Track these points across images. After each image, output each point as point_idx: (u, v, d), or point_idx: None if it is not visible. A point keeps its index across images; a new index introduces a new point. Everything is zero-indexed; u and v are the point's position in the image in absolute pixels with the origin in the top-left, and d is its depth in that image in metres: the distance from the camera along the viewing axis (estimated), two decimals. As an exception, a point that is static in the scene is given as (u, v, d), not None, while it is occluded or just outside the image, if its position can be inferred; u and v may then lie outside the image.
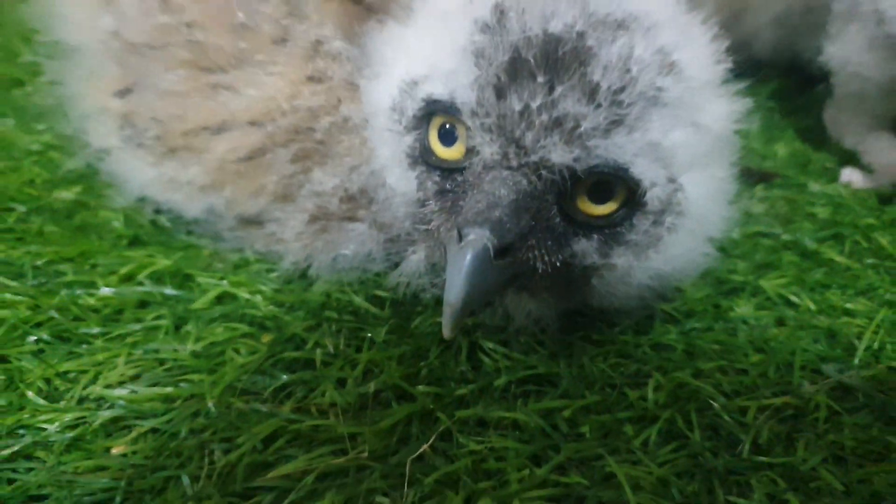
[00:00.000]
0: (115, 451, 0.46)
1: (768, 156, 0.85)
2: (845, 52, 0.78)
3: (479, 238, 0.44)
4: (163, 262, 0.61)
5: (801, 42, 0.87)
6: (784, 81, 1.03)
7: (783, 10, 0.89)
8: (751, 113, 0.90)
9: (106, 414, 0.48)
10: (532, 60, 0.45)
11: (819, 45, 0.82)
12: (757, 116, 0.94)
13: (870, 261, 0.66)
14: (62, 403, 0.49)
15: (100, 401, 0.49)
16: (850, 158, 0.85)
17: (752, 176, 0.78)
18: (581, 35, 0.45)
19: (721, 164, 0.55)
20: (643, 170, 0.47)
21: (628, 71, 0.46)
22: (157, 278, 0.59)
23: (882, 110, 0.82)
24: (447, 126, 0.48)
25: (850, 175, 0.81)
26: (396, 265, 0.57)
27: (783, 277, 0.63)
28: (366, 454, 0.45)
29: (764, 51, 1.00)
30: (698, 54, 0.51)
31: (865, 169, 0.83)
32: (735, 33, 0.98)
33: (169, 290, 0.58)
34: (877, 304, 0.60)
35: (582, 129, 0.45)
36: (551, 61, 0.45)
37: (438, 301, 0.55)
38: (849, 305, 0.60)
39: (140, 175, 0.64)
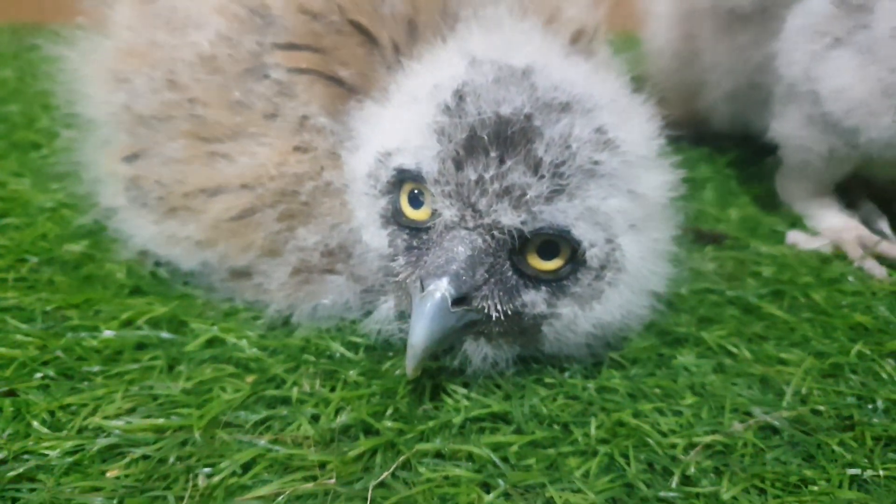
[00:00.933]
0: (109, 474, 0.51)
1: (722, 219, 0.92)
2: (788, 127, 0.86)
3: (438, 288, 0.51)
4: (160, 309, 0.67)
5: (753, 116, 0.95)
6: (740, 151, 1.11)
7: (733, 87, 0.98)
8: (707, 180, 0.99)
9: (103, 442, 0.53)
10: (486, 138, 0.52)
11: (768, 119, 0.90)
12: (714, 183, 1.03)
13: (806, 315, 0.72)
14: (63, 433, 0.54)
15: (98, 430, 0.54)
16: (797, 222, 0.92)
17: (704, 238, 0.85)
18: (528, 117, 0.53)
19: (658, 227, 0.62)
20: (583, 232, 0.54)
21: (569, 147, 0.53)
22: (155, 323, 0.65)
23: (825, 178, 0.89)
24: (415, 191, 0.56)
25: (794, 237, 0.88)
26: (370, 313, 0.64)
27: (724, 329, 0.69)
28: (333, 480, 0.50)
29: (721, 123, 1.08)
30: (635, 132, 0.59)
31: (810, 232, 0.90)
32: (696, 107, 1.08)
33: (165, 334, 0.64)
34: (808, 353, 0.66)
35: (528, 196, 0.52)
36: (502, 139, 0.52)
37: (406, 346, 0.61)
38: (783, 355, 0.66)
39: (143, 231, 0.70)
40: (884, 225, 0.90)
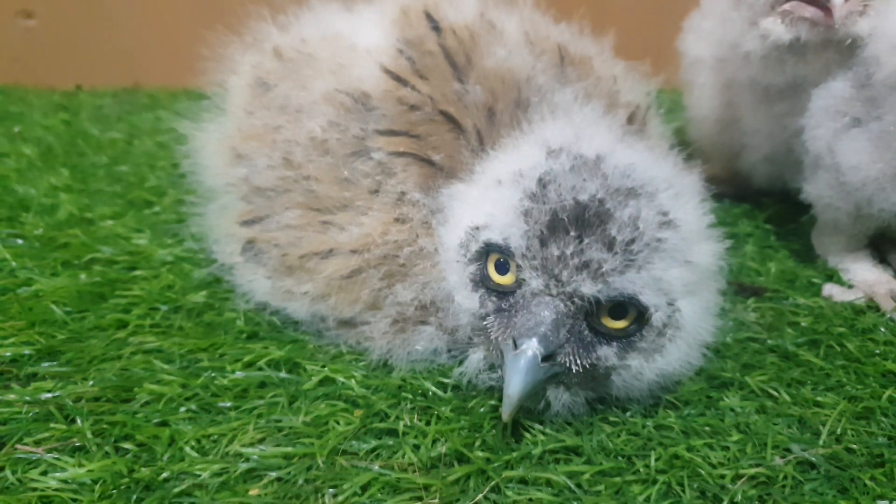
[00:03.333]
0: (252, 492, 0.61)
1: (763, 272, 1.01)
2: (818, 190, 0.95)
3: (529, 347, 0.62)
4: (277, 353, 0.78)
5: (790, 176, 1.04)
6: (779, 207, 1.20)
7: (771, 151, 1.07)
8: (748, 235, 1.08)
9: (243, 466, 0.64)
10: (566, 220, 0.63)
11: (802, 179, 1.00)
12: (754, 238, 1.12)
13: (840, 362, 0.80)
14: (210, 457, 0.65)
15: (237, 456, 0.65)
16: (833, 275, 1.01)
17: (745, 291, 0.94)
18: (602, 201, 0.63)
19: (709, 289, 0.72)
20: (649, 298, 0.64)
21: (637, 228, 0.63)
22: (274, 365, 0.77)
23: (855, 234, 0.98)
24: (501, 260, 0.66)
25: (830, 290, 0.96)
26: (455, 357, 0.75)
27: (765, 375, 0.78)
28: (437, 500, 0.60)
29: (761, 182, 1.17)
30: (690, 211, 0.68)
31: (845, 285, 0.98)
32: (737, 167, 1.18)
33: (283, 375, 0.76)
34: (842, 397, 0.74)
35: (603, 269, 0.62)
36: (580, 221, 0.63)
37: (490, 388, 0.72)
38: (819, 398, 0.74)
39: (259, 286, 0.81)
40: (915, 278, 0.98)
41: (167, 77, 1.74)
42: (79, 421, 0.68)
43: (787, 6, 0.88)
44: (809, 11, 0.87)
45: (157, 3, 1.88)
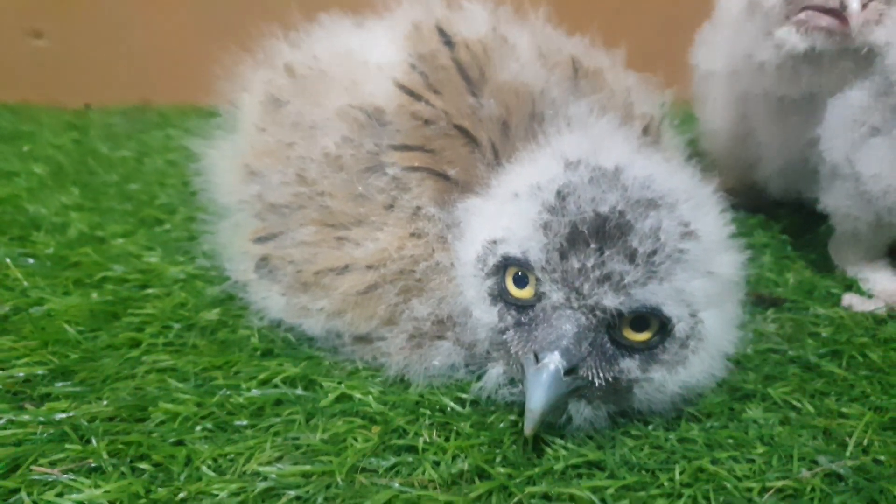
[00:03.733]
0: (271, 512, 0.61)
1: (780, 283, 1.00)
2: (835, 200, 0.95)
3: (552, 360, 0.61)
4: (292, 370, 0.77)
5: (805, 186, 1.03)
6: (795, 218, 1.19)
7: (786, 162, 1.07)
8: (765, 246, 1.07)
9: (261, 485, 0.62)
10: (586, 232, 0.62)
11: (818, 190, 0.99)
12: (771, 248, 1.11)
13: (863, 372, 0.79)
14: (227, 476, 0.64)
15: (255, 475, 0.64)
16: (852, 285, 1.00)
17: (764, 301, 0.93)
18: (622, 213, 0.62)
19: (731, 300, 0.71)
20: (671, 309, 0.63)
21: (658, 239, 0.62)
22: (289, 382, 0.76)
23: (875, 243, 0.97)
24: (519, 273, 0.66)
25: (850, 300, 0.95)
26: (473, 372, 0.74)
27: (788, 386, 0.77)
28: (458, 518, 0.60)
29: (777, 193, 1.17)
30: (710, 222, 0.67)
31: (865, 294, 0.97)
32: (752, 179, 1.17)
33: (299, 392, 0.75)
34: (867, 408, 0.73)
35: (625, 281, 0.61)
36: (601, 233, 0.62)
37: (510, 403, 0.71)
38: (843, 409, 0.73)
39: (273, 303, 0.81)
40: (935, 287, 0.97)
41: (177, 95, 1.74)
42: (94, 441, 0.67)
43: (802, 15, 0.88)
44: (825, 20, 0.87)
45: (167, 21, 1.89)
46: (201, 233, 0.96)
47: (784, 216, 1.21)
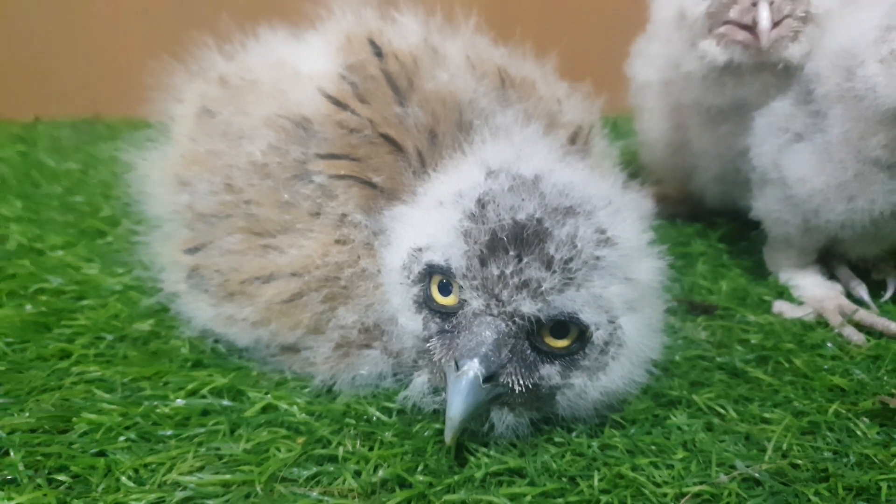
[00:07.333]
0: (187, 523, 0.61)
1: (714, 291, 1.02)
2: (766, 206, 0.97)
3: (471, 368, 0.61)
4: (220, 380, 0.77)
5: (739, 195, 1.05)
6: (731, 226, 1.21)
7: (720, 171, 1.09)
8: (701, 254, 1.09)
9: (180, 495, 0.62)
10: (505, 240, 0.63)
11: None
12: (706, 257, 1.13)
13: (788, 378, 0.81)
14: (147, 486, 0.63)
15: (175, 485, 0.63)
16: (784, 292, 1.02)
17: (696, 309, 0.94)
18: (539, 220, 0.63)
19: (652, 305, 0.72)
20: (589, 316, 0.64)
21: (575, 246, 0.63)
22: (217, 392, 0.75)
23: (805, 247, 0.99)
24: (443, 281, 0.66)
25: (780, 306, 0.97)
26: (401, 381, 0.74)
27: (713, 392, 0.78)
28: (375, 526, 0.59)
29: (713, 202, 1.19)
30: (628, 228, 0.68)
31: (795, 301, 0.99)
32: (689, 188, 1.19)
33: (226, 402, 0.74)
34: (789, 413, 0.74)
35: (542, 288, 0.62)
36: (519, 240, 0.63)
37: (435, 412, 0.71)
38: (766, 415, 0.74)
39: (202, 313, 0.80)
40: (863, 293, 0.99)
41: (127, 107, 1.72)
42: (11, 453, 0.66)
43: (722, 29, 0.90)
44: (741, 35, 0.89)
45: (117, 33, 1.88)
46: (138, 244, 0.95)
47: (721, 225, 1.23)
